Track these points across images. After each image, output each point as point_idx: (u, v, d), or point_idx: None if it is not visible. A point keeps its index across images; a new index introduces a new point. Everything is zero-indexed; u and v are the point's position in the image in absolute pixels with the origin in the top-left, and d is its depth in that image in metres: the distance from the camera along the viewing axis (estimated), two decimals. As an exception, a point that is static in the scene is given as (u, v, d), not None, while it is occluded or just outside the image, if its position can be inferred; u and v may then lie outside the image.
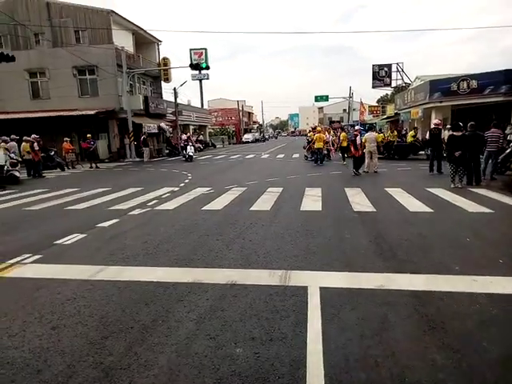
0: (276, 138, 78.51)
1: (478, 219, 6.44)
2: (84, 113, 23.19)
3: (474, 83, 20.99)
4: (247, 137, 60.72)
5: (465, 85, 21.36)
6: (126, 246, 5.43)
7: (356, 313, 3.26)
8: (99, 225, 6.72)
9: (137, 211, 7.87)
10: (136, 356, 2.73)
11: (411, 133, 20.49)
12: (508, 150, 11.83)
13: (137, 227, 6.57)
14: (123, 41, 25.97)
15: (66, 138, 20.40)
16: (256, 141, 60.56)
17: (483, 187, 9.67)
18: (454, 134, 9.79)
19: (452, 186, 9.77)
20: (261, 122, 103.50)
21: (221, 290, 3.82)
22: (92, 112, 23.10)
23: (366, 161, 13.85)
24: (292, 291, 3.72)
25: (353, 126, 24.55)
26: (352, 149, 13.56)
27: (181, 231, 6.17)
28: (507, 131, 16.54)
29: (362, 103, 27.97)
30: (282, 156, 24.86)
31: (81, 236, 6.00)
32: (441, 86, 22.55)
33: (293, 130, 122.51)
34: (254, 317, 3.25)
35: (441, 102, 22.65)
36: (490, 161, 11.22)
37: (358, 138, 13.41)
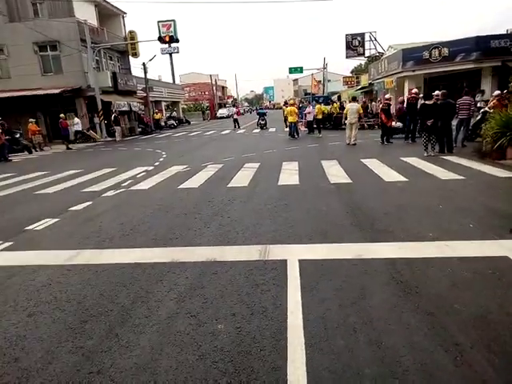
0: (250, 113, 77.19)
1: (449, 186, 6.63)
2: (49, 91, 22.10)
3: (445, 51, 21.16)
4: (222, 112, 59.72)
5: (436, 53, 21.51)
6: (101, 228, 5.30)
7: (334, 283, 3.33)
8: (72, 208, 6.52)
9: (111, 192, 7.67)
10: (117, 338, 2.70)
11: (335, 105, 21.47)
12: (478, 117, 12.09)
13: (111, 209, 6.42)
14: (86, 13, 24.51)
15: (31, 119, 19.50)
16: (231, 116, 59.68)
17: (455, 155, 9.92)
18: (426, 102, 9.91)
19: (425, 154, 9.97)
20: (235, 97, 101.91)
21: (200, 267, 3.81)
22: (57, 91, 22.04)
23: (348, 133, 13.85)
24: (271, 265, 3.75)
25: (314, 98, 24.56)
26: (383, 117, 13.33)
27: (157, 211, 6.07)
28: (477, 98, 16.92)
29: (313, 78, 27.78)
30: (257, 131, 24.64)
31: (53, 221, 5.81)
32: (413, 55, 22.65)
33: (267, 103, 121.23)
34: (234, 293, 3.27)
35: (413, 70, 22.82)
36: (462, 128, 11.48)
37: (391, 107, 13.28)
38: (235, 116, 28.44)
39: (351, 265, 3.66)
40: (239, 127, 27.14)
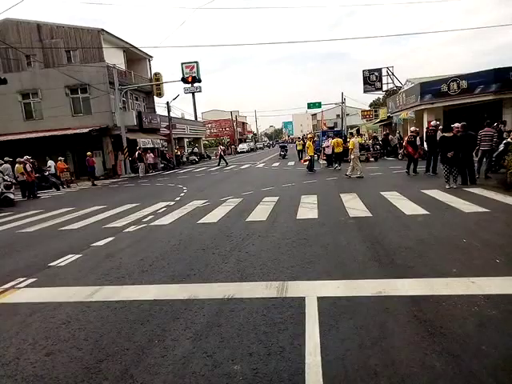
0: (269, 147, 78.46)
1: (473, 219, 6.44)
2: (78, 131, 23.24)
3: (464, 83, 21.18)
4: (242, 147, 60.89)
5: (455, 85, 21.55)
6: (121, 264, 5.38)
7: (354, 321, 3.22)
8: (94, 244, 6.67)
9: (132, 228, 7.82)
10: (132, 379, 2.67)
11: (359, 139, 21.64)
12: (501, 148, 11.87)
13: (132, 244, 6.52)
14: (115, 58, 26.15)
15: (60, 158, 20.44)
16: (251, 150, 60.77)
17: (478, 186, 9.69)
18: (445, 135, 9.85)
19: (447, 186, 9.79)
20: (255, 132, 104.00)
21: (217, 304, 3.78)
22: (85, 130, 23.15)
23: (352, 165, 14.14)
24: (289, 302, 3.69)
25: (324, 133, 25.44)
26: (410, 150, 13.54)
27: (176, 246, 6.13)
28: (502, 129, 16.67)
29: (322, 118, 28.32)
30: (277, 164, 24.91)
31: (75, 257, 5.95)
32: (431, 88, 22.74)
33: (286, 137, 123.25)
34: (251, 331, 3.21)
35: (432, 103, 22.83)
36: (485, 159, 11.29)
37: (417, 138, 13.72)
38: (221, 153, 29.18)
39: (371, 302, 3.55)
40: (227, 164, 27.57)
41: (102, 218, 9.34)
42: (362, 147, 21.24)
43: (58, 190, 18.94)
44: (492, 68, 20.37)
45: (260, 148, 72.49)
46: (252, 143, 70.09)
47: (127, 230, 7.73)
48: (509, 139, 11.59)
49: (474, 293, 3.56)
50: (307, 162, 17.54)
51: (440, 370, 2.48)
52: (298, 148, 27.38)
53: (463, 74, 22.19)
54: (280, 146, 35.04)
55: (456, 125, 10.33)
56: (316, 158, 19.31)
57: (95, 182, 20.17)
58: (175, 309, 3.76)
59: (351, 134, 34.02)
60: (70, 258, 5.91)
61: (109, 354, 3.03)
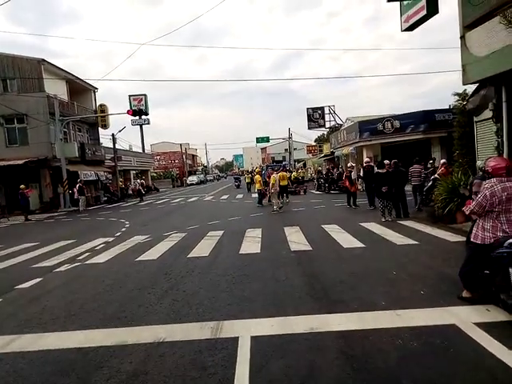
0: (218, 180, 79.82)
1: (404, 252, 6.81)
2: (11, 163, 21.78)
3: (396, 123, 23.05)
4: (192, 179, 60.44)
5: (389, 125, 23.37)
6: (46, 308, 4.97)
7: (285, 361, 3.21)
8: (18, 286, 6.13)
9: (64, 267, 7.32)
10: None
11: (294, 174, 24.42)
12: (429, 183, 12.87)
13: (61, 286, 6.08)
14: (57, 88, 25.26)
15: (-11, 191, 18.90)
16: (201, 182, 60.55)
17: (410, 219, 10.35)
18: (379, 171, 10.53)
19: (383, 219, 10.35)
20: (205, 164, 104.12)
21: (146, 350, 3.59)
22: (20, 162, 21.76)
23: (276, 200, 14.82)
24: (222, 344, 3.60)
25: (271, 167, 30.41)
26: (347, 184, 14.08)
27: (110, 286, 5.80)
28: (429, 165, 18.14)
29: (265, 151, 32.42)
30: (225, 197, 24.93)
31: (-6, 301, 5.41)
32: (368, 126, 24.48)
33: (236, 170, 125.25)
34: (179, 377, 3.07)
35: (370, 140, 24.48)
36: (417, 193, 12.16)
37: (352, 173, 14.30)
38: (139, 188, 28.98)
39: (303, 339, 3.56)
40: (141, 200, 27.16)
41: (32, 257, 8.66)
42: (297, 180, 23.14)
43: (-14, 225, 17.39)
44: (421, 110, 22.46)
45: (210, 180, 72.51)
46: (202, 175, 69.92)
47: (58, 269, 7.22)
48: (436, 175, 12.60)
49: (399, 325, 3.71)
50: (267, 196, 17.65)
51: (362, 408, 2.52)
52: (247, 180, 30.82)
53: (396, 115, 24.21)
54: (234, 178, 41.85)
55: (386, 162, 11.10)
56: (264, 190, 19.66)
57: (29, 217, 18.78)
58: (100, 357, 3.51)
59: (300, 167, 35.35)
60: (-12, 303, 5.36)
61: (16, 414, 2.73)
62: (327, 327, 3.79)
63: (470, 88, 10.23)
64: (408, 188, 11.58)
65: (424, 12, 9.36)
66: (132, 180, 41.77)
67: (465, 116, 10.73)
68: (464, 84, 9.20)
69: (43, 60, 24.09)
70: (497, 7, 7.71)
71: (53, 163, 23.81)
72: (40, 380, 3.18)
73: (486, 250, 3.84)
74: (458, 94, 11.63)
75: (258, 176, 18.09)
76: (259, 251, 7.66)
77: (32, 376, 3.26)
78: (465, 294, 4.21)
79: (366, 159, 15.79)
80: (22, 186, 19.14)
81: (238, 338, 3.68)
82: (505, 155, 8.38)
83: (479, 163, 6.60)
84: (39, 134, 23.53)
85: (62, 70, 26.70)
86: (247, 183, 30.72)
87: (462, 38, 8.97)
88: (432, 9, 9.25)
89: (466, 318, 3.76)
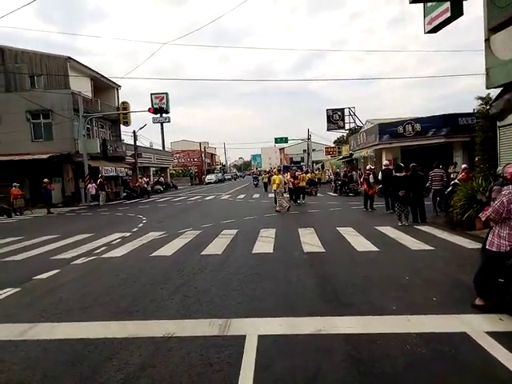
0: (235, 179, 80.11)
1: (419, 257, 6.70)
2: (36, 157, 22.47)
3: (417, 126, 22.63)
4: (210, 178, 60.92)
5: (410, 128, 22.97)
6: (62, 299, 5.12)
7: (291, 361, 3.21)
8: (37, 277, 6.33)
9: (81, 260, 7.52)
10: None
11: (308, 175, 23.98)
12: (449, 188, 12.60)
13: (78, 278, 6.25)
14: (81, 86, 25.95)
15: (14, 184, 19.54)
16: (219, 181, 60.98)
17: (428, 224, 10.16)
18: (397, 175, 10.37)
19: (399, 223, 10.20)
20: (224, 163, 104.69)
21: (156, 344, 3.65)
22: (45, 156, 22.44)
23: (280, 199, 15.04)
24: (230, 341, 3.63)
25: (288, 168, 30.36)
26: (365, 187, 14.01)
27: (124, 280, 5.93)
28: (450, 170, 17.76)
29: (283, 152, 32.39)
30: (242, 196, 25.03)
31: (13, 290, 5.60)
32: (389, 129, 24.11)
33: (254, 169, 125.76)
34: (185, 372, 3.12)
35: (390, 143, 24.12)
36: (437, 198, 11.93)
37: (370, 176, 14.16)
38: (145, 186, 29.38)
39: (310, 341, 3.56)
40: (148, 197, 27.81)
41: (51, 249, 8.92)
42: (311, 181, 23.19)
43: (10, 217, 17.99)
44: (442, 114, 21.99)
45: (228, 179, 72.89)
46: (220, 174, 70.36)
47: (75, 262, 7.42)
48: (456, 180, 12.33)
49: (408, 331, 3.66)
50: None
51: (365, 412, 2.51)
52: (264, 181, 31.20)
53: (417, 118, 23.78)
54: (253, 177, 43.81)
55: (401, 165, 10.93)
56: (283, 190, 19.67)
57: (51, 210, 19.34)
58: (110, 348, 3.59)
59: (317, 169, 35.19)
60: (7, 291, 5.56)
61: (28, 399, 2.84)
62: (335, 329, 3.77)
63: (494, 92, 9.97)
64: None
65: (448, 14, 9.18)
66: (152, 176, 42.40)
67: (488, 120, 10.46)
68: (488, 88, 8.99)
69: (69, 58, 24.77)
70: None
71: (75, 158, 24.43)
72: (53, 368, 3.29)
73: (502, 257, 3.75)
74: (481, 98, 11.36)
75: (275, 177, 18.09)
76: (272, 251, 7.67)
77: (46, 364, 3.37)
78: (478, 301, 4.11)
79: (385, 162, 15.57)
80: (45, 180, 19.72)
81: (245, 336, 3.70)
82: (528, 162, 8.13)
83: (499, 169, 6.43)
84: (63, 129, 24.20)
85: (87, 67, 27.38)
86: (264, 183, 30.87)
87: (487, 40, 8.76)
88: (456, 11, 9.06)
89: (478, 326, 3.68)
